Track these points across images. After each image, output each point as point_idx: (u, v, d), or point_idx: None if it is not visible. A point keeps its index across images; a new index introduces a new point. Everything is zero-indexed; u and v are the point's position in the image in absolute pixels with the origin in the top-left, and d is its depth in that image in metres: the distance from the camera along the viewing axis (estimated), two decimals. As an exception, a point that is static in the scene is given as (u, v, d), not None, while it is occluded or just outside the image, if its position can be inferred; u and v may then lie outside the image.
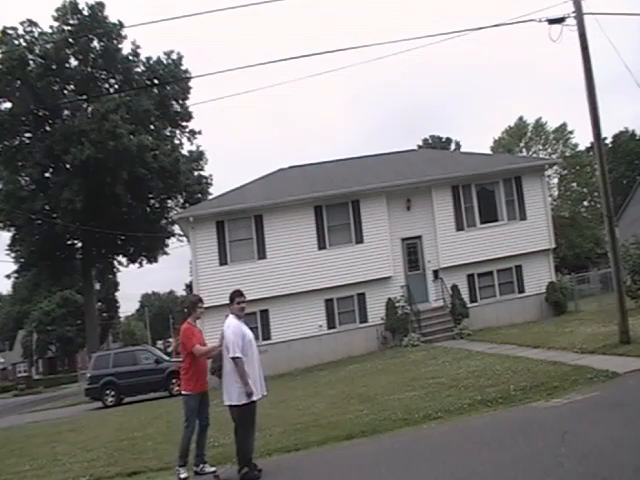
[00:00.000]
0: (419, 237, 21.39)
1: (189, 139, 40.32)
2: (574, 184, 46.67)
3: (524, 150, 47.01)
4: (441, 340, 18.74)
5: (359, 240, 20.82)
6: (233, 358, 6.36)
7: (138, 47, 37.10)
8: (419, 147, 54.76)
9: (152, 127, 37.19)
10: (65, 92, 35.50)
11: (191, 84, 38.54)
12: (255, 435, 6.76)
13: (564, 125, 46.84)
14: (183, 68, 38.23)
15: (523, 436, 6.40)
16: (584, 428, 6.41)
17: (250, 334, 6.66)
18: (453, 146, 63.03)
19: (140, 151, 33.36)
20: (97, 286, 52.03)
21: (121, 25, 35.48)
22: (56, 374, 61.18)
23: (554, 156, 43.92)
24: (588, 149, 46.27)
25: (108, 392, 21.00)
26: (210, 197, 34.75)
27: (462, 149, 57.37)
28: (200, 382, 7.05)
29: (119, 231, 35.93)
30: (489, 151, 46.46)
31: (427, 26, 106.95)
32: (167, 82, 36.62)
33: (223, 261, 20.36)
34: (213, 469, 6.99)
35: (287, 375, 18.42)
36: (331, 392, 12.11)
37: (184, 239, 32.32)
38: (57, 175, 34.85)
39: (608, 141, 54.95)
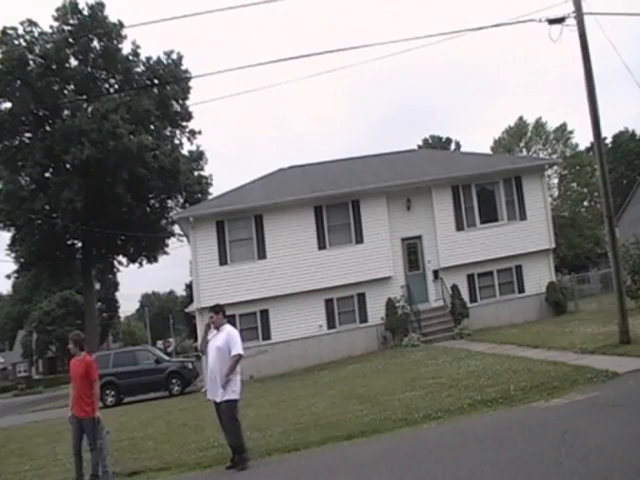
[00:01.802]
0: (419, 237, 21.39)
1: (189, 139, 40.31)
2: (574, 184, 46.68)
3: (524, 150, 47.02)
4: (441, 340, 18.74)
5: (359, 240, 20.82)
6: (241, 355, 7.09)
7: (138, 47, 37.07)
8: (419, 147, 54.74)
9: (152, 127, 37.14)
10: (65, 92, 35.45)
11: (191, 84, 38.56)
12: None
13: (564, 125, 46.91)
14: (183, 68, 38.22)
15: (523, 436, 6.40)
16: (584, 428, 6.41)
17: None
18: (453, 146, 62.99)
19: (140, 151, 33.33)
20: (97, 286, 52.02)
21: (121, 25, 35.42)
22: (56, 374, 61.12)
23: (554, 156, 43.92)
24: (588, 149, 46.29)
25: (108, 392, 20.98)
26: (210, 197, 34.74)
27: (462, 149, 57.35)
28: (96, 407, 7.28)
29: (119, 231, 35.92)
30: (489, 151, 46.48)
31: (427, 26, 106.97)
32: (167, 82, 36.59)
33: (223, 261, 20.37)
34: None
35: (287, 375, 18.43)
36: (331, 392, 12.11)
37: (184, 239, 32.30)
38: (57, 175, 34.81)
39: (608, 141, 54.95)
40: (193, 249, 20.72)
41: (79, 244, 39.10)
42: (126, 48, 36.94)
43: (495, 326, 19.50)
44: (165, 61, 37.64)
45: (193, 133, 40.22)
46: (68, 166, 34.19)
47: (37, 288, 54.54)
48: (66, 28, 35.09)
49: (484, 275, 21.38)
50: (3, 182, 35.04)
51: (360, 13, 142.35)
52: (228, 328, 7.23)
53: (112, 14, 53.32)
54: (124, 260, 42.25)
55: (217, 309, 7.36)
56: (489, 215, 21.61)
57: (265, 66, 16.33)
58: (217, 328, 7.23)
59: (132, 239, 38.20)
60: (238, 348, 7.06)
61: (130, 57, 36.95)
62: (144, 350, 25.07)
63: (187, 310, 35.27)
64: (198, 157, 40.56)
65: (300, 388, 14.12)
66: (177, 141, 39.79)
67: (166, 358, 24.17)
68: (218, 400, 7.06)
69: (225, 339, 7.07)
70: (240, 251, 20.54)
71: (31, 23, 34.05)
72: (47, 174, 35.65)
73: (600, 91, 12.01)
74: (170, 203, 40.26)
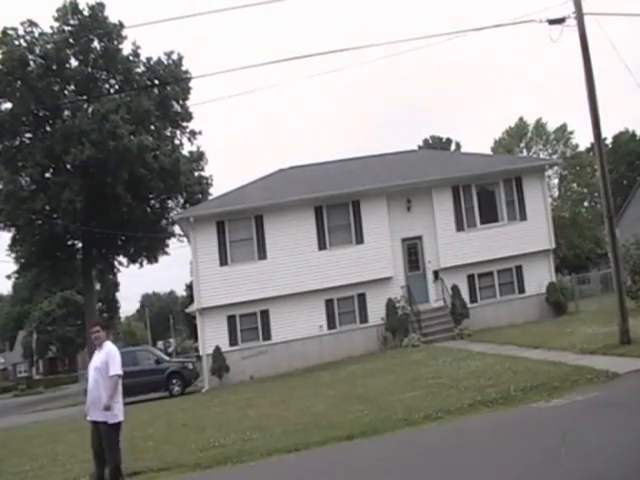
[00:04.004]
0: (419, 237, 21.40)
1: (189, 139, 40.29)
2: (574, 184, 46.68)
3: (524, 150, 47.01)
4: (441, 340, 18.74)
5: (359, 240, 20.82)
6: (120, 375, 6.74)
7: (138, 47, 37.05)
8: (419, 147, 54.71)
9: (152, 127, 37.13)
10: (65, 92, 35.45)
11: (191, 84, 38.54)
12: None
13: (564, 125, 46.88)
14: (183, 69, 38.22)
15: (523, 436, 6.41)
16: (584, 428, 6.42)
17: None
18: (453, 146, 62.97)
19: (140, 151, 33.32)
20: (97, 286, 52.00)
21: (121, 25, 35.41)
22: (56, 374, 61.23)
23: (554, 156, 43.93)
24: (588, 149, 46.30)
25: (108, 392, 20.97)
26: (210, 197, 34.74)
27: (462, 149, 57.34)
28: None
29: (119, 231, 35.91)
30: (489, 152, 46.47)
31: (427, 26, 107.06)
32: (167, 82, 36.60)
33: (223, 261, 20.38)
34: None
35: (287, 375, 18.44)
36: (331, 392, 12.11)
37: (184, 239, 32.29)
38: (57, 175, 34.81)
39: (608, 141, 54.92)
40: (193, 249, 20.72)
41: (79, 244, 39.08)
42: (126, 48, 36.96)
43: (495, 326, 19.49)
44: (165, 61, 37.63)
45: (193, 133, 40.21)
46: (68, 166, 34.19)
47: (37, 288, 54.55)
48: (66, 28, 35.07)
49: (484, 275, 21.38)
50: (3, 182, 35.01)
51: (360, 13, 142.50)
52: (108, 347, 6.92)
53: (112, 14, 53.43)
54: (124, 260, 42.23)
55: (103, 324, 7.19)
56: (489, 215, 21.61)
57: (265, 66, 16.40)
58: (99, 345, 6.94)
59: (132, 239, 38.18)
60: (117, 368, 6.71)
61: (130, 57, 36.94)
62: (144, 350, 25.07)
63: (187, 310, 35.31)
64: (198, 157, 40.53)
65: (300, 388, 14.13)
66: (177, 141, 39.78)
67: (166, 358, 24.17)
68: (100, 419, 6.65)
69: (103, 359, 6.79)
70: (240, 251, 20.55)
71: (31, 23, 34.04)
72: (47, 174, 35.63)
73: (600, 91, 12.04)
74: (170, 203, 40.23)
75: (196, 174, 40.19)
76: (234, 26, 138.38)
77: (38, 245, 36.47)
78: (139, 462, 8.27)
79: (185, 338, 70.42)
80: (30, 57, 33.48)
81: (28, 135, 35.82)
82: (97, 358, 6.89)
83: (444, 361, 13.36)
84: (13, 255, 39.13)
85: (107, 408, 6.57)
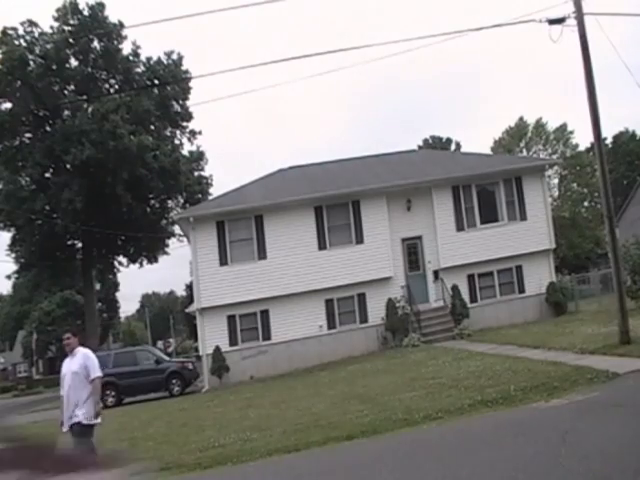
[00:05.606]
0: (419, 237, 21.39)
1: (189, 139, 40.30)
2: (574, 184, 46.73)
3: (524, 150, 47.06)
4: (441, 340, 18.73)
5: (359, 240, 20.82)
6: (101, 377, 6.91)
7: (138, 47, 37.06)
8: (419, 147, 54.72)
9: (152, 127, 37.14)
10: (65, 92, 35.49)
11: (191, 84, 38.54)
12: None
13: (564, 125, 46.96)
14: (183, 68, 38.22)
15: (523, 436, 6.41)
16: (584, 428, 6.42)
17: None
18: (453, 146, 62.95)
19: (140, 151, 33.33)
20: (97, 286, 52.00)
21: (121, 25, 35.43)
22: (56, 374, 60.93)
23: (554, 156, 43.96)
24: (588, 149, 46.31)
25: (108, 392, 20.93)
26: (210, 197, 34.74)
27: (462, 149, 57.32)
28: None
29: (119, 231, 35.90)
30: (489, 151, 46.48)
31: (428, 26, 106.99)
32: (167, 82, 36.60)
33: (223, 261, 20.37)
34: None
35: (287, 375, 18.44)
36: (331, 392, 12.11)
37: (184, 239, 32.29)
38: (57, 175, 34.83)
39: (608, 141, 54.90)
40: (193, 249, 20.72)
41: (79, 244, 39.11)
42: (126, 48, 36.98)
43: (495, 326, 19.48)
44: (165, 61, 37.63)
45: (193, 133, 40.20)
46: (68, 166, 34.19)
47: (37, 288, 54.53)
48: (66, 28, 35.09)
49: (484, 275, 21.38)
50: (3, 182, 35.06)
51: (360, 13, 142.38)
52: (83, 351, 6.95)
53: (112, 14, 53.32)
54: (124, 260, 42.26)
55: (75, 331, 7.21)
56: (489, 215, 21.61)
57: (265, 66, 16.46)
58: (71, 352, 6.96)
59: (132, 239, 38.19)
60: (97, 371, 6.80)
61: (130, 57, 36.94)
62: (144, 350, 25.07)
63: (187, 310, 35.27)
64: (198, 157, 40.54)
65: (300, 388, 14.13)
66: (177, 141, 39.78)
67: (166, 358, 24.18)
68: (82, 421, 6.66)
69: (81, 363, 6.79)
70: (240, 251, 20.54)
71: (31, 23, 34.06)
72: (47, 174, 35.66)
73: (600, 91, 12.04)
74: (170, 203, 40.24)
75: (196, 174, 40.20)
76: (234, 26, 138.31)
77: (38, 245, 36.48)
78: (139, 462, 8.26)
79: (185, 338, 70.40)
80: (30, 57, 33.49)
81: (28, 135, 35.84)
82: (73, 363, 6.87)
83: (444, 361, 13.36)
84: (13, 255, 39.19)
85: (97, 415, 6.63)
